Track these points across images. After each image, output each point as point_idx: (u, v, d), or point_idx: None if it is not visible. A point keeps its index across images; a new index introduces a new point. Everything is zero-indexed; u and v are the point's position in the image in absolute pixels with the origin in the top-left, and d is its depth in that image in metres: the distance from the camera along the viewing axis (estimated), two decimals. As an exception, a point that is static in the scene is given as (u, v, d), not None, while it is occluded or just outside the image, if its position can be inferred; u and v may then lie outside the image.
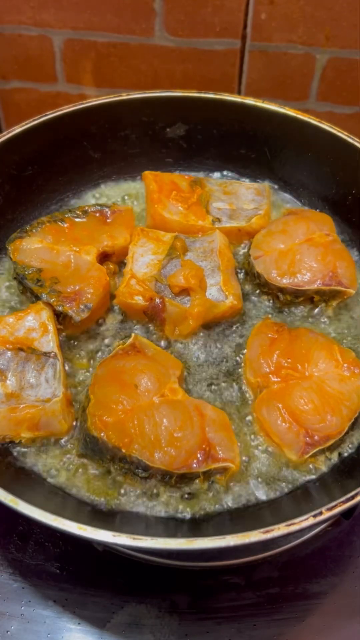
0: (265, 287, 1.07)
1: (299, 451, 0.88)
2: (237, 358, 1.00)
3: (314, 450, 0.88)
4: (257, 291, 1.09)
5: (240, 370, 0.99)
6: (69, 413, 0.91)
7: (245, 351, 1.00)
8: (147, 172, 1.16)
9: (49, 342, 0.93)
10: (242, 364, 0.99)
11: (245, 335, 1.02)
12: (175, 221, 1.11)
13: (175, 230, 1.11)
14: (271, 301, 1.08)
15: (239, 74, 1.53)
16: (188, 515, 0.85)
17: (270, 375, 0.94)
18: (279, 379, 0.93)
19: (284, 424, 0.89)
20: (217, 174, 1.30)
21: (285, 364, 0.94)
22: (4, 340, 0.92)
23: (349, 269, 1.05)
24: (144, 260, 1.05)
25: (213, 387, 0.97)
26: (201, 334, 1.03)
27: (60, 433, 0.90)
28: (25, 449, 0.90)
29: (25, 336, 0.93)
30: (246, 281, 1.11)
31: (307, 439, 0.88)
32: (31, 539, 0.95)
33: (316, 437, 0.88)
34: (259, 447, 0.91)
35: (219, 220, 1.13)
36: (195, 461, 0.84)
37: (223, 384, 0.98)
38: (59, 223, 1.08)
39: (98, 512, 0.85)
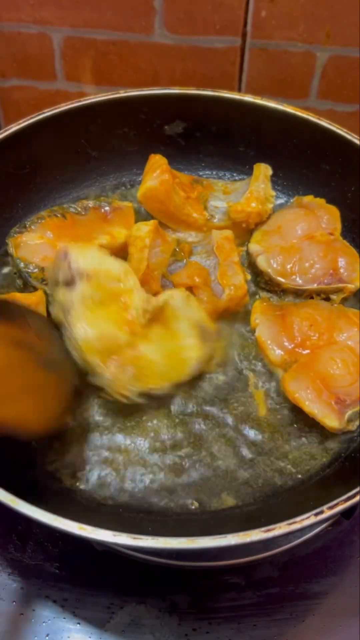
0: (267, 285, 1.07)
1: (336, 416, 0.87)
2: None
3: (350, 412, 0.87)
4: (259, 288, 1.09)
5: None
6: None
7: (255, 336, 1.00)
8: (153, 154, 1.15)
9: None
10: (255, 351, 0.99)
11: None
12: (173, 202, 1.10)
13: (167, 213, 1.11)
14: (273, 298, 1.08)
15: (239, 72, 1.52)
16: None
17: (297, 349, 0.93)
18: (308, 350, 0.93)
19: (314, 392, 0.88)
20: (215, 172, 1.30)
21: (311, 333, 0.94)
22: None
23: (351, 265, 1.04)
24: (154, 253, 1.05)
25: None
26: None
27: None
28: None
29: None
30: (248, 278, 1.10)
31: (339, 405, 0.88)
32: (30, 539, 0.95)
33: (348, 401, 0.88)
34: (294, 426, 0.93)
35: (213, 217, 1.13)
36: None
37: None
38: (59, 217, 1.08)
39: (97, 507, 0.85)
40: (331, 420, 0.88)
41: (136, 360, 0.84)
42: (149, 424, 0.92)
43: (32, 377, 0.77)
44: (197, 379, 0.96)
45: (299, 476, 0.89)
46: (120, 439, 0.92)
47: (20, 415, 0.72)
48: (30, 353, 0.78)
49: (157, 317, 0.90)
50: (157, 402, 0.91)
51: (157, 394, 0.85)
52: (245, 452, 0.91)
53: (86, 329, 0.84)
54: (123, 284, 0.87)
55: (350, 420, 0.88)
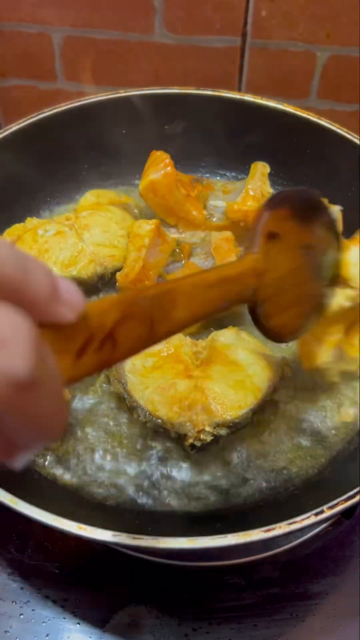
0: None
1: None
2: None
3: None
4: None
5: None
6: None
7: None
8: (154, 150, 1.15)
9: None
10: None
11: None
12: (174, 197, 1.10)
13: (168, 208, 1.11)
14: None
15: (239, 71, 1.52)
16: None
17: None
18: None
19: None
20: (215, 171, 1.30)
21: None
22: None
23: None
24: (152, 252, 1.05)
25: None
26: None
27: None
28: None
29: None
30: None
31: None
32: (30, 539, 0.95)
33: None
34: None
35: (212, 216, 1.13)
36: None
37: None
38: None
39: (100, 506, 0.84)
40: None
41: (204, 398, 0.86)
42: (149, 424, 0.92)
43: (304, 286, 0.69)
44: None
45: (299, 476, 0.89)
46: (121, 439, 0.92)
47: (284, 325, 0.65)
48: (311, 259, 0.69)
49: (211, 358, 0.91)
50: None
51: (238, 422, 0.85)
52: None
53: (144, 392, 0.88)
54: (166, 344, 0.91)
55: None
